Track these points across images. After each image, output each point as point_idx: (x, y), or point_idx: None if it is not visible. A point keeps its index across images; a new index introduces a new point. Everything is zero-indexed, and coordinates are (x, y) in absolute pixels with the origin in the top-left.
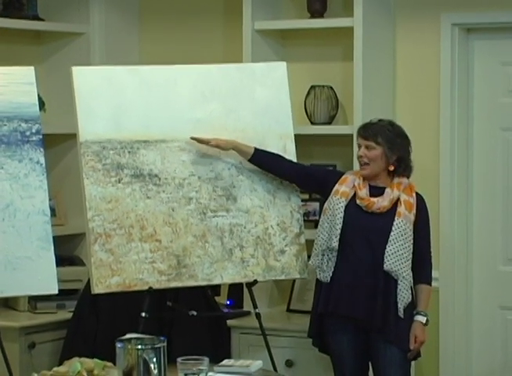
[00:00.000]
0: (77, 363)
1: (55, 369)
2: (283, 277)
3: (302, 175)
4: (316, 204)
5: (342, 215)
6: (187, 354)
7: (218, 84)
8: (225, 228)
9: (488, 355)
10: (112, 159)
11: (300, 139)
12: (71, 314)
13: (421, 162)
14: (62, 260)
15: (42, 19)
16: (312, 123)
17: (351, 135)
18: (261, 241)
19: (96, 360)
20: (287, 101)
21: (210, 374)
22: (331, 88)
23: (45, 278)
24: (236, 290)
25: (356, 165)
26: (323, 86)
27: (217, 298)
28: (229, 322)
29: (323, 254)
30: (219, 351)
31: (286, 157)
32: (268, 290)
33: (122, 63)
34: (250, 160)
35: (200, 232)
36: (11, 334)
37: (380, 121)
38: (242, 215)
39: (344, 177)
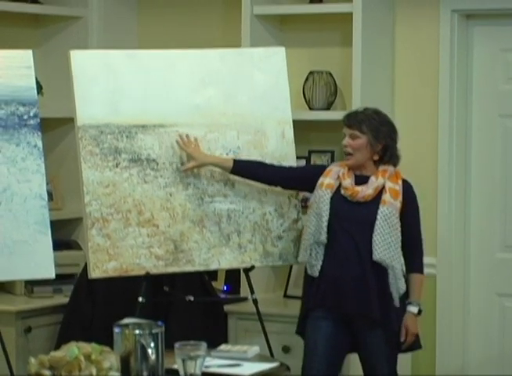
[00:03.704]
0: (74, 348)
1: (52, 354)
2: (280, 263)
3: (286, 179)
4: None
5: (328, 206)
6: (184, 339)
7: (216, 70)
8: (223, 213)
9: (486, 342)
10: (109, 143)
11: (298, 125)
12: (68, 299)
13: (419, 149)
14: (59, 244)
15: (40, 3)
16: (311, 109)
17: None
18: (259, 227)
19: (94, 345)
20: (286, 86)
21: (207, 359)
22: (330, 73)
23: (41, 262)
24: (233, 275)
25: None
26: (322, 72)
27: (214, 284)
28: (226, 307)
29: (311, 249)
30: (216, 336)
31: (268, 161)
32: (265, 275)
33: (120, 47)
34: (231, 173)
35: (198, 217)
36: (7, 319)
37: (365, 109)
38: (239, 201)
39: (327, 169)
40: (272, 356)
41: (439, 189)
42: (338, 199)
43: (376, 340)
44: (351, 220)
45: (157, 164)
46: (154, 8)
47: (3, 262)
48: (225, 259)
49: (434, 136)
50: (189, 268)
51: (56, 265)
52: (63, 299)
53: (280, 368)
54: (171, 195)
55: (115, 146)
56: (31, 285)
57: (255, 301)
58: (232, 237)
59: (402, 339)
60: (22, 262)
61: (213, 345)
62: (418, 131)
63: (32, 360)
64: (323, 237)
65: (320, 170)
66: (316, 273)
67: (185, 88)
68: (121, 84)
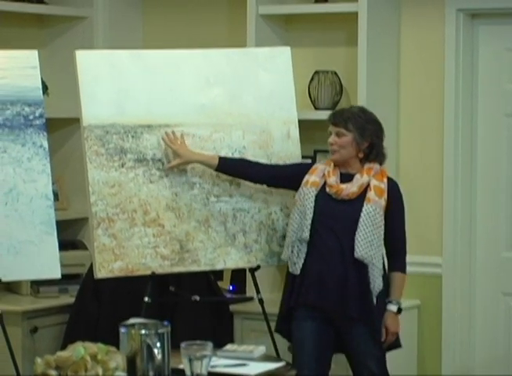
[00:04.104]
0: (80, 348)
1: (58, 354)
2: (285, 263)
3: (272, 177)
4: None
5: (312, 204)
6: (190, 339)
7: (221, 69)
8: (229, 213)
9: (491, 341)
10: (115, 143)
11: (303, 125)
12: (73, 299)
13: (425, 149)
14: (65, 244)
15: (46, 3)
16: (316, 108)
17: None
18: (264, 227)
19: (100, 345)
20: (291, 86)
21: (213, 359)
22: (335, 73)
23: (47, 262)
24: (238, 275)
25: None
26: (327, 71)
27: (219, 284)
28: (232, 307)
29: (293, 246)
30: (222, 336)
31: (252, 159)
32: (271, 275)
33: (125, 47)
34: (217, 170)
35: (203, 217)
36: (13, 319)
37: (351, 107)
38: (245, 201)
39: (313, 168)
40: (277, 356)
41: (445, 189)
42: (323, 197)
43: (360, 339)
44: (336, 218)
45: (163, 164)
46: (159, 8)
47: (9, 262)
48: (230, 259)
49: (440, 136)
50: (194, 268)
51: (62, 265)
52: (68, 299)
53: (286, 368)
54: (176, 195)
55: (121, 146)
56: (37, 285)
57: (261, 301)
58: (238, 237)
59: (383, 339)
60: (28, 262)
61: (219, 344)
62: (423, 131)
63: (38, 360)
64: (306, 235)
65: (306, 168)
66: (297, 271)
67: (190, 88)
68: (127, 84)
